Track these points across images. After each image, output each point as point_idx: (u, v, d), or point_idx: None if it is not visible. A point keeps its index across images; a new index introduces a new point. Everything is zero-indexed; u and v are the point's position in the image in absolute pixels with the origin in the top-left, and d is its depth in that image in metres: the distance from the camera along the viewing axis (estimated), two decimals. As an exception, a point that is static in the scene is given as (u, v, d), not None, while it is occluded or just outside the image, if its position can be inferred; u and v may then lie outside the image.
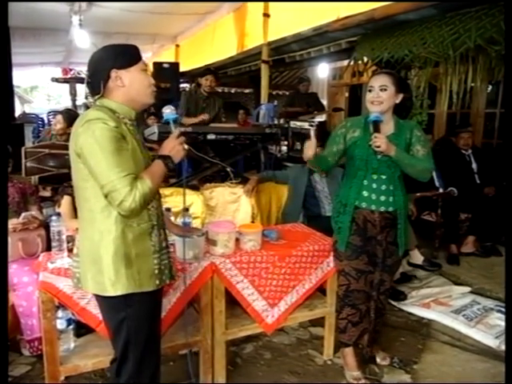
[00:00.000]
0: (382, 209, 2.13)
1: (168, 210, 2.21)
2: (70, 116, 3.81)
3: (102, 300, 1.53)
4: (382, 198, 2.12)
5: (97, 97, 1.51)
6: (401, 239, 2.21)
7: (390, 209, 2.14)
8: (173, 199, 2.84)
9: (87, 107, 6.47)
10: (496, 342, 2.57)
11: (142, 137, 1.63)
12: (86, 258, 1.50)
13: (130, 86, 1.51)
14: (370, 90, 2.09)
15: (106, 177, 1.37)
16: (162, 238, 1.59)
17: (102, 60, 1.50)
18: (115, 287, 1.45)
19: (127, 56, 1.52)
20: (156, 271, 1.54)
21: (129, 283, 1.46)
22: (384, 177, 2.12)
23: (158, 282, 1.55)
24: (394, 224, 2.17)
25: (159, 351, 1.67)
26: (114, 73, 1.48)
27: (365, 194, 2.13)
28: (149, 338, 1.57)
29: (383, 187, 2.12)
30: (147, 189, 1.42)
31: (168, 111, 1.68)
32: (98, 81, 1.49)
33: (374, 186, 2.12)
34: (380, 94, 2.05)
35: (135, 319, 1.51)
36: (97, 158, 1.37)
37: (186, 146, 1.59)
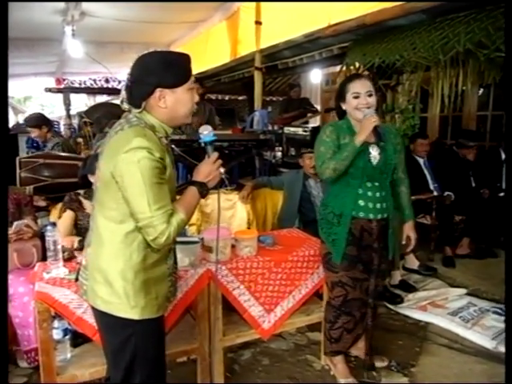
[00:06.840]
0: (379, 216, 2.10)
1: None
2: (30, 118, 4.40)
3: (107, 317, 1.41)
4: (378, 205, 2.09)
5: (136, 111, 1.38)
6: (391, 243, 2.20)
7: (385, 215, 2.13)
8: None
9: (81, 117, 6.46)
10: (493, 344, 2.58)
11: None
12: (97, 275, 1.41)
13: (173, 108, 1.38)
14: (356, 97, 2.03)
15: (144, 211, 1.30)
16: (173, 257, 1.54)
17: (148, 72, 1.34)
18: (133, 311, 1.38)
19: (177, 74, 1.37)
20: (169, 294, 1.50)
21: (147, 310, 1.40)
22: (377, 184, 2.09)
23: (168, 303, 1.53)
24: (386, 229, 2.17)
25: (165, 368, 1.57)
26: (158, 92, 1.34)
27: (361, 203, 2.08)
28: (156, 356, 1.48)
29: (377, 194, 2.09)
30: (181, 223, 1.36)
31: (206, 132, 1.51)
32: (139, 94, 1.36)
33: (369, 194, 2.08)
34: (368, 100, 2.03)
35: (143, 335, 1.42)
36: (137, 189, 1.29)
37: (222, 170, 1.48)
